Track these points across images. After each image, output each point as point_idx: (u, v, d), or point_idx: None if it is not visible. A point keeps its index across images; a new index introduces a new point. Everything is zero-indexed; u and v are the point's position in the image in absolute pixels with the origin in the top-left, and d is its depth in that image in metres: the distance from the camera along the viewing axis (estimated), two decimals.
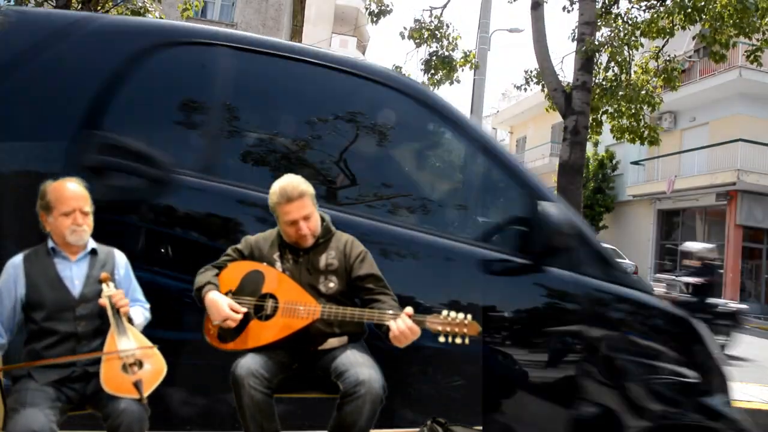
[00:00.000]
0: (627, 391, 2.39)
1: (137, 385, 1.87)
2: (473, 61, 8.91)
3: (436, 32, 8.79)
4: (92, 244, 2.11)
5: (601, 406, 2.37)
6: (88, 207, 2.06)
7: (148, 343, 1.99)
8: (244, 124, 2.28)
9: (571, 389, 2.33)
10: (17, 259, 2.03)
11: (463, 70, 8.94)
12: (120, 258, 2.17)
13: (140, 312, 2.13)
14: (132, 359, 1.90)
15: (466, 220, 2.58)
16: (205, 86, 2.15)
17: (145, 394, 1.87)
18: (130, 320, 2.03)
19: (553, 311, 2.45)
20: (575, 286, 2.41)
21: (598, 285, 2.46)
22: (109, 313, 1.97)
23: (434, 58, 8.73)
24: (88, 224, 2.05)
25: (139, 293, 2.18)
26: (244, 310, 2.12)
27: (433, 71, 8.78)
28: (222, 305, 2.10)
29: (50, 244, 2.06)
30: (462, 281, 2.34)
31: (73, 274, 2.04)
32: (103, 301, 1.98)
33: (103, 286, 2.01)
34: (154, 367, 1.94)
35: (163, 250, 2.26)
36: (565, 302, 2.44)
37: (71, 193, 2.02)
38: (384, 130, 2.41)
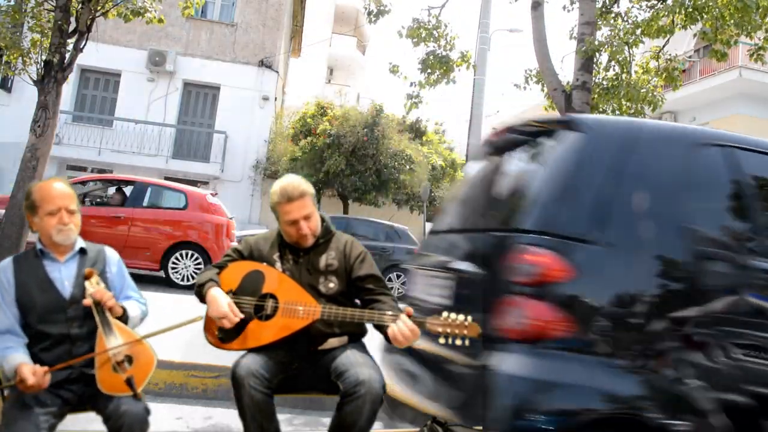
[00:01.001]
0: None
1: (129, 382, 1.85)
2: (470, 62, 8.87)
3: (434, 32, 8.76)
4: (81, 243, 2.06)
5: None
6: (75, 206, 2.00)
7: (136, 337, 1.95)
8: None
9: None
10: (6, 262, 1.98)
11: (459, 70, 8.90)
12: (112, 255, 2.12)
13: (136, 306, 2.09)
14: (120, 356, 1.87)
15: None
16: (734, 183, 2.37)
17: (139, 389, 1.85)
18: (125, 313, 1.99)
19: None
20: None
21: None
22: (94, 311, 1.91)
23: (431, 57, 8.69)
24: (74, 223, 1.99)
25: (132, 290, 2.14)
26: (242, 316, 2.11)
27: (429, 71, 8.75)
28: (222, 302, 2.10)
29: (38, 245, 2.01)
30: None
31: (63, 275, 1.99)
32: (87, 300, 1.92)
33: (86, 283, 1.95)
34: (143, 360, 1.91)
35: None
36: None
37: (57, 191, 1.97)
38: None
